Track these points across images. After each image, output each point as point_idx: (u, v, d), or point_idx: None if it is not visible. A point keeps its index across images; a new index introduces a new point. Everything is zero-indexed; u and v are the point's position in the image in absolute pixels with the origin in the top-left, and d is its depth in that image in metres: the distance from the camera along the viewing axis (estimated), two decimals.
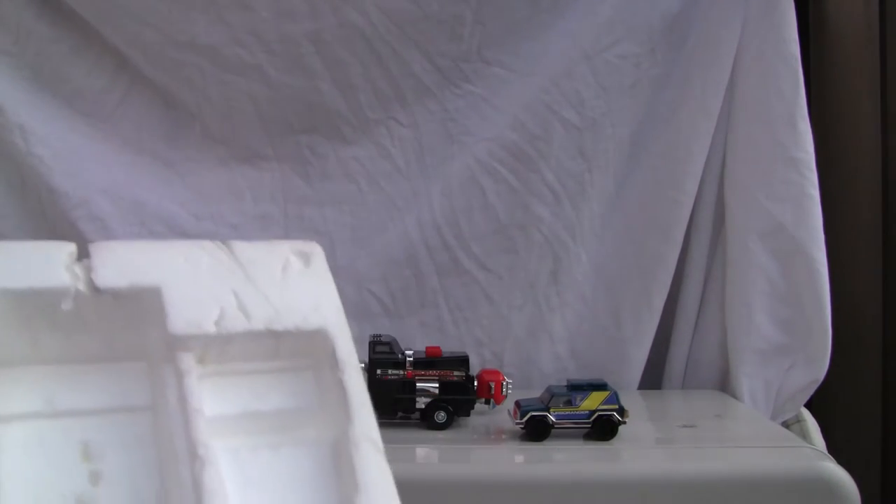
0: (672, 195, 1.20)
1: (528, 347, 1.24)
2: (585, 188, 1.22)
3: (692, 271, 1.23)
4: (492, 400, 0.99)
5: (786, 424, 1.16)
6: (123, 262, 0.44)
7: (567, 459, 0.90)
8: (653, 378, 1.26)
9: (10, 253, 0.43)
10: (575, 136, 1.21)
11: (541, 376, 1.22)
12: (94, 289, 0.43)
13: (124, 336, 0.44)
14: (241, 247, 0.48)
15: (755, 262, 1.16)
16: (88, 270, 0.43)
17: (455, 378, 0.98)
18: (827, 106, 1.33)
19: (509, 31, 1.22)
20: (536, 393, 0.97)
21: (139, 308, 0.44)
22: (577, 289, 1.24)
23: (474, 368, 1.03)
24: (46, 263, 0.43)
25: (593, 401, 0.92)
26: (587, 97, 1.20)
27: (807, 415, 1.17)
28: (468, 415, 1.00)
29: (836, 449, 0.96)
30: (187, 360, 0.43)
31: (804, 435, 1.12)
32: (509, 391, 1.00)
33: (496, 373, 1.01)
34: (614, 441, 0.92)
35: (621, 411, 0.92)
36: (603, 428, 0.92)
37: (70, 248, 0.44)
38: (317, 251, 0.50)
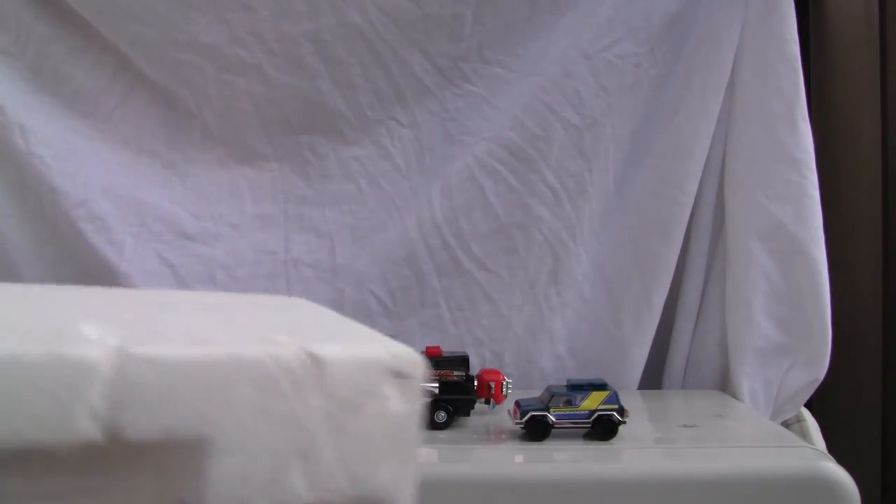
0: (672, 195, 1.20)
1: (528, 347, 1.24)
2: (585, 188, 1.22)
3: (692, 271, 1.23)
4: (492, 400, 0.99)
5: (786, 424, 1.16)
6: (163, 390, 0.30)
7: (567, 459, 0.90)
8: (653, 378, 1.26)
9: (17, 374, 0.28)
10: (575, 136, 1.21)
11: (541, 376, 1.22)
12: (115, 439, 0.29)
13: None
14: (334, 365, 0.34)
15: (755, 262, 1.16)
16: (116, 408, 0.29)
17: (455, 378, 0.98)
18: (827, 106, 1.33)
19: (509, 31, 1.22)
20: (536, 393, 0.97)
21: (163, 464, 0.31)
22: (577, 289, 1.24)
23: (474, 368, 1.03)
24: (58, 401, 0.29)
25: (593, 401, 0.92)
26: (587, 97, 1.20)
27: (807, 415, 1.17)
28: (468, 415, 1.00)
29: (836, 449, 0.96)
30: None
31: (804, 435, 1.12)
32: (509, 391, 1.00)
33: (496, 373, 1.01)
34: (614, 441, 0.92)
35: (621, 411, 0.92)
36: (603, 428, 0.92)
37: (89, 357, 0.29)
38: (417, 371, 0.37)
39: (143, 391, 0.29)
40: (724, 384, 1.21)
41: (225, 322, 0.39)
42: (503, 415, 0.98)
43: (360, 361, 0.35)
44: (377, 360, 0.35)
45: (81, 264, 1.23)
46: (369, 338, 0.37)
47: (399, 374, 0.36)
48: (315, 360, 0.33)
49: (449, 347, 1.10)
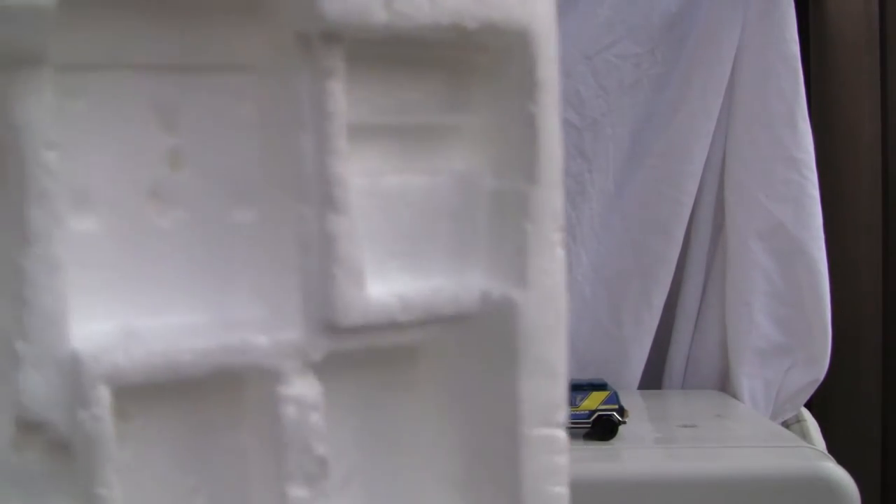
0: (672, 195, 1.20)
1: None
2: (585, 188, 1.22)
3: (692, 271, 1.23)
4: None
5: (786, 424, 1.16)
6: None
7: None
8: (653, 378, 1.25)
9: None
10: (575, 136, 1.21)
11: None
12: None
13: (236, 25, 0.31)
14: None
15: (755, 261, 1.16)
16: None
17: None
18: (827, 106, 1.33)
19: None
20: None
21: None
22: (577, 289, 1.24)
23: None
24: None
25: (593, 401, 0.92)
26: (587, 97, 1.20)
27: (807, 415, 1.17)
28: None
29: (836, 449, 0.96)
30: (336, 58, 0.30)
31: (804, 435, 1.12)
32: None
33: None
34: (614, 441, 0.92)
35: (621, 411, 0.92)
36: (603, 428, 0.92)
37: None
38: None
39: None
40: (724, 384, 1.21)
41: None
42: None
43: None
44: None
45: None
46: None
47: None
48: None
49: None
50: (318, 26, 0.30)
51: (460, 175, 0.35)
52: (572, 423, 0.93)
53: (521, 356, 0.33)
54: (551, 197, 0.34)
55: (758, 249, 1.16)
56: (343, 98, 0.30)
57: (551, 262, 0.34)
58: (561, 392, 0.34)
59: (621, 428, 0.92)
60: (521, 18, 0.33)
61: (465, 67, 0.34)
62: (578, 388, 0.93)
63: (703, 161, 1.19)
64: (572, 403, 0.92)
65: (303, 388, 0.31)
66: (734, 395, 1.17)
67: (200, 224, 0.31)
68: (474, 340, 0.34)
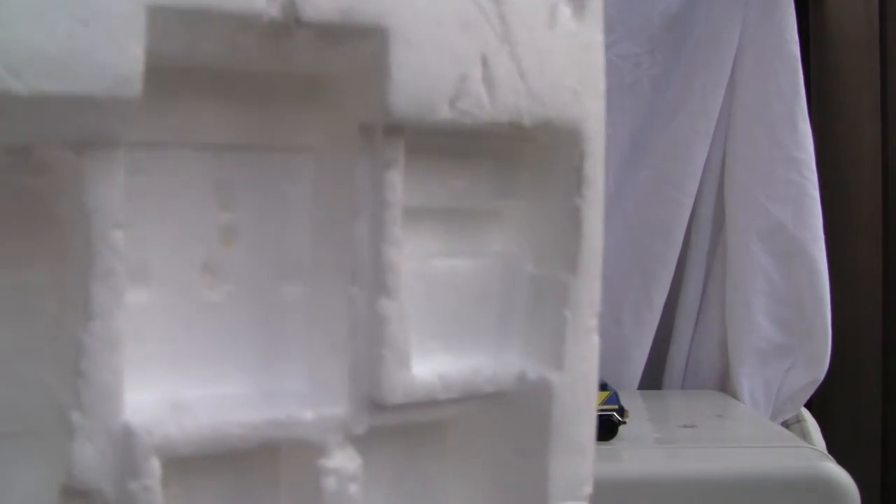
0: (672, 195, 1.20)
1: None
2: None
3: (692, 271, 1.23)
4: None
5: (786, 424, 1.16)
6: None
7: None
8: (653, 378, 1.25)
9: None
10: None
11: None
12: (296, 19, 0.29)
13: (299, 108, 0.32)
14: None
15: (755, 262, 1.16)
16: None
17: None
18: (827, 106, 1.33)
19: None
20: None
21: (343, 56, 0.31)
22: None
23: None
24: None
25: None
26: None
27: (807, 415, 1.17)
28: None
29: (836, 449, 0.96)
30: (397, 150, 0.31)
31: (804, 435, 1.12)
32: None
33: None
34: (614, 441, 0.92)
35: (621, 411, 0.92)
36: (603, 428, 0.92)
37: None
38: None
39: None
40: (724, 384, 1.21)
41: None
42: None
43: None
44: None
45: None
46: None
47: None
48: None
49: None
50: (383, 119, 0.30)
51: (503, 259, 0.36)
52: None
53: (553, 434, 0.35)
54: (590, 287, 0.36)
55: (758, 249, 1.16)
56: (401, 188, 0.31)
57: (587, 347, 0.36)
58: (588, 468, 0.36)
59: (621, 428, 0.92)
60: (574, 117, 0.34)
61: (514, 156, 0.36)
62: None
63: (703, 161, 1.19)
64: None
65: (343, 461, 0.32)
66: (734, 395, 1.17)
67: (250, 298, 0.32)
68: (509, 417, 0.36)
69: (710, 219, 1.22)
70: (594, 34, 0.36)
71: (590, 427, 0.36)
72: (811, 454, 0.89)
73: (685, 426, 1.00)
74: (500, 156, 0.35)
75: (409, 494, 0.36)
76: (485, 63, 0.32)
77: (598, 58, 0.36)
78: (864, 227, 1.32)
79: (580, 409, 0.36)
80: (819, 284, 1.14)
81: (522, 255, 0.36)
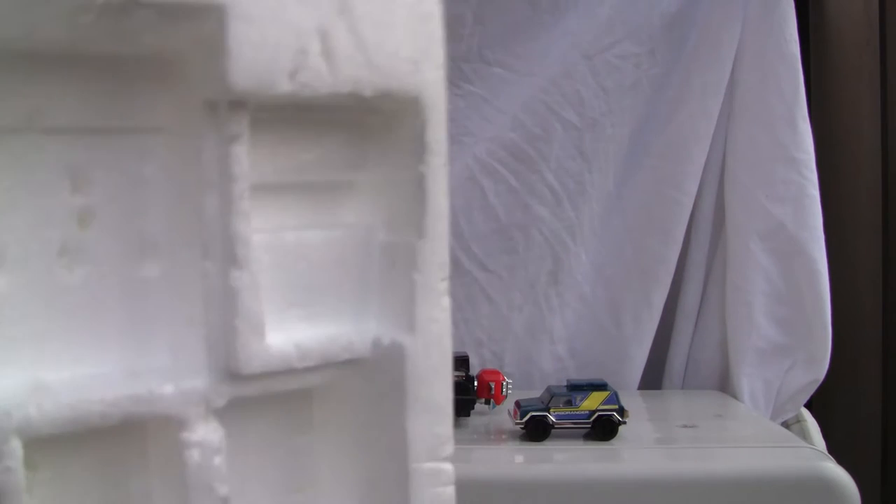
0: (672, 195, 1.20)
1: (528, 347, 1.24)
2: (585, 188, 1.22)
3: (692, 271, 1.23)
4: (492, 400, 0.99)
5: (786, 424, 1.16)
6: None
7: (567, 459, 0.90)
8: (653, 378, 1.25)
9: None
10: (575, 136, 1.21)
11: (541, 376, 1.22)
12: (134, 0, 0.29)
13: (144, 89, 0.33)
14: None
15: (755, 262, 1.16)
16: None
17: (455, 378, 0.98)
18: (827, 106, 1.33)
19: (509, 31, 1.22)
20: (536, 393, 0.97)
21: (183, 34, 0.31)
22: (577, 289, 1.24)
23: (474, 368, 1.03)
24: None
25: (593, 401, 0.92)
26: (587, 97, 1.20)
27: (807, 415, 1.17)
28: (468, 415, 0.99)
29: (836, 449, 0.96)
30: (241, 124, 0.32)
31: (804, 435, 1.12)
32: (509, 391, 1.00)
33: (496, 373, 1.01)
34: (614, 441, 0.92)
35: (621, 411, 0.92)
36: (603, 428, 0.92)
37: None
38: None
39: None
40: (724, 384, 1.21)
41: None
42: (503, 415, 0.98)
43: None
44: None
45: None
46: None
47: None
48: None
49: None
50: (226, 95, 0.31)
51: (355, 229, 0.37)
52: (572, 423, 0.94)
53: (410, 397, 0.36)
54: (438, 249, 0.37)
55: (758, 249, 1.16)
56: (247, 161, 0.32)
57: (438, 309, 0.37)
58: (447, 428, 0.37)
59: (621, 428, 0.92)
60: (413, 86, 0.36)
61: (361, 129, 0.37)
62: (578, 388, 0.93)
63: (703, 161, 1.19)
64: (572, 403, 0.92)
65: (206, 433, 0.33)
66: (734, 395, 1.17)
67: (108, 279, 0.33)
68: (368, 383, 0.37)
69: (710, 219, 1.22)
70: (432, 4, 0.37)
71: (446, 387, 0.37)
72: (811, 454, 0.89)
73: (685, 426, 1.00)
74: (348, 128, 0.37)
75: (278, 464, 0.37)
76: (324, 36, 0.33)
77: (437, 27, 0.37)
78: (864, 228, 1.32)
79: (435, 370, 0.37)
80: (819, 284, 1.14)
81: (374, 223, 0.38)
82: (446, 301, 0.37)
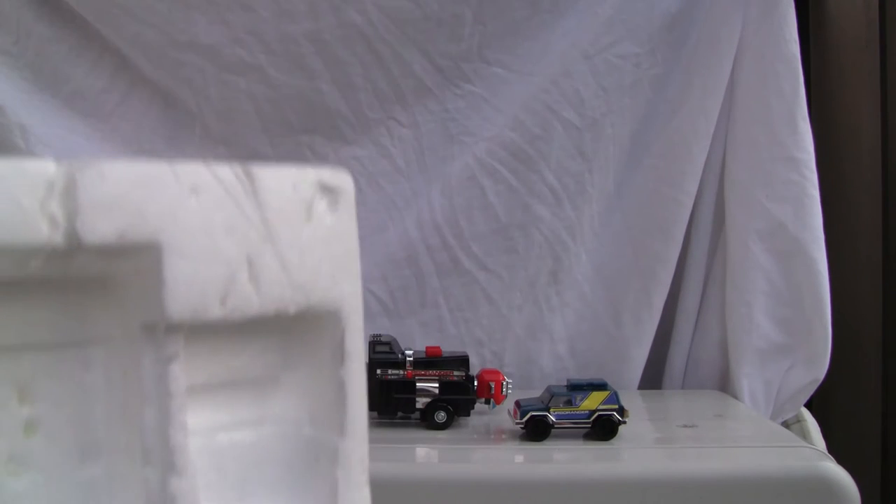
0: (672, 195, 1.20)
1: (528, 347, 1.24)
2: (585, 188, 1.22)
3: (692, 271, 1.23)
4: (492, 400, 0.99)
5: (786, 424, 1.16)
6: (115, 199, 0.33)
7: (567, 459, 0.90)
8: (653, 378, 1.26)
9: None
10: (575, 136, 1.21)
11: (541, 376, 1.22)
12: (77, 244, 0.32)
13: (88, 306, 0.36)
14: (264, 178, 0.37)
15: (755, 262, 1.16)
16: (72, 214, 0.32)
17: (455, 378, 0.98)
18: (827, 106, 1.33)
19: (509, 31, 1.22)
20: (536, 393, 0.97)
21: (124, 267, 0.35)
22: (577, 289, 1.24)
23: (474, 368, 1.03)
24: (15, 201, 0.31)
25: (593, 401, 0.92)
26: (587, 97, 1.20)
27: (807, 415, 1.17)
28: (468, 415, 1.00)
29: (836, 449, 0.96)
30: (177, 345, 0.35)
31: (804, 435, 1.12)
32: (509, 391, 1.00)
33: (496, 373, 1.01)
34: (614, 441, 0.92)
35: (621, 411, 0.92)
36: (603, 428, 0.92)
37: (47, 170, 0.32)
38: (347, 186, 0.40)
39: (95, 197, 0.32)
40: (724, 384, 1.21)
41: None
42: (503, 415, 0.98)
43: (290, 175, 0.38)
44: (305, 175, 0.39)
45: None
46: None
47: (328, 188, 0.39)
48: (248, 174, 0.37)
49: (449, 347, 1.10)
50: (163, 320, 0.34)
51: (283, 424, 0.40)
52: (572, 422, 0.94)
53: None
54: (358, 447, 0.40)
55: (758, 249, 1.16)
56: (183, 378, 0.35)
57: (360, 499, 0.40)
58: None
59: (621, 428, 0.92)
60: (332, 300, 0.39)
61: (286, 335, 0.40)
62: (578, 388, 0.93)
63: (702, 161, 1.19)
64: (572, 403, 0.92)
65: None
66: (734, 395, 1.17)
67: (53, 484, 0.35)
68: None
69: (710, 219, 1.22)
70: (348, 223, 0.40)
71: None
72: (811, 454, 0.90)
73: (685, 426, 1.00)
74: (275, 335, 0.40)
75: None
76: (250, 263, 0.36)
77: (353, 243, 0.40)
78: (864, 227, 1.32)
79: None
80: (819, 284, 1.14)
81: (300, 417, 0.40)
82: (366, 492, 0.40)
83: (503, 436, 0.96)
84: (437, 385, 0.98)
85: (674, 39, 1.20)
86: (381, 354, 0.99)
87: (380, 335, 1.03)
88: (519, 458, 0.91)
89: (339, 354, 0.39)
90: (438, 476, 0.86)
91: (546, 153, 1.21)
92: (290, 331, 0.39)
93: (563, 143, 1.21)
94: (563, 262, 1.23)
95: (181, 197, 0.35)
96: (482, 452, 0.94)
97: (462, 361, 1.00)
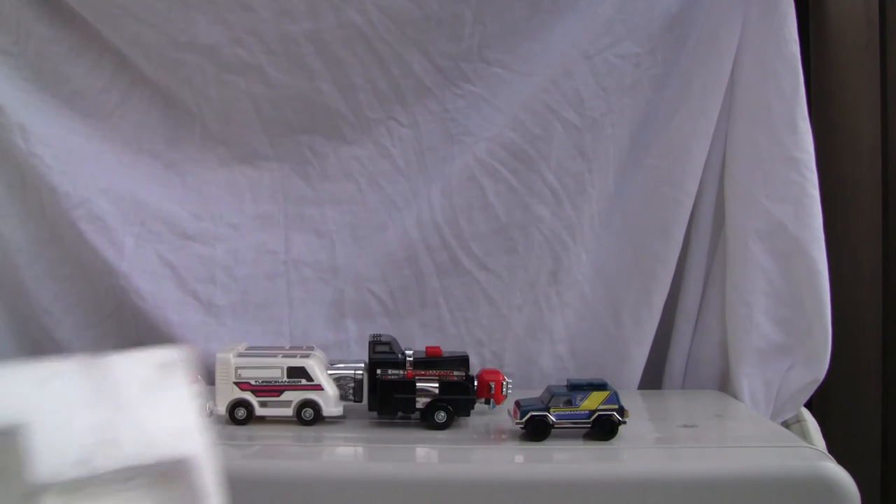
0: (672, 195, 1.20)
1: (528, 347, 1.24)
2: (585, 188, 1.22)
3: (692, 271, 1.23)
4: (492, 400, 0.99)
5: (786, 424, 1.16)
6: None
7: (567, 459, 0.90)
8: (653, 378, 1.26)
9: None
10: (575, 136, 1.21)
11: (541, 376, 1.22)
12: None
13: None
14: (113, 363, 0.46)
15: (755, 262, 1.16)
16: None
17: (455, 378, 0.98)
18: (827, 106, 1.33)
19: (509, 31, 1.22)
20: (536, 393, 0.97)
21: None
22: (577, 289, 1.24)
23: (474, 368, 1.03)
24: None
25: (593, 401, 0.92)
26: (587, 97, 1.20)
27: (807, 415, 1.17)
28: (468, 415, 1.00)
29: (836, 449, 0.96)
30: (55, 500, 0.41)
31: (804, 435, 1.12)
32: (509, 391, 1.00)
33: (496, 373, 1.01)
34: (614, 441, 0.92)
35: (621, 411, 0.92)
36: (603, 428, 0.92)
37: None
38: (175, 360, 0.48)
39: None
40: (724, 384, 1.21)
41: None
42: (503, 415, 0.98)
43: (136, 359, 0.47)
44: (145, 356, 0.47)
45: (81, 265, 1.23)
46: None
47: (159, 366, 0.47)
48: (101, 363, 0.46)
49: (449, 347, 1.10)
50: (37, 480, 0.41)
51: None
52: (572, 422, 0.94)
53: None
54: None
55: (758, 249, 1.16)
56: None
57: None
58: None
59: (621, 428, 0.92)
60: (183, 448, 0.46)
61: (151, 486, 0.46)
62: (578, 388, 0.93)
63: (702, 161, 1.19)
64: (572, 403, 0.92)
65: None
66: (734, 395, 1.17)
67: None
68: None
69: (710, 219, 1.22)
70: (179, 389, 0.48)
71: None
72: (811, 454, 0.90)
73: (685, 426, 1.00)
74: (142, 486, 0.46)
75: None
76: (110, 428, 0.44)
77: (189, 406, 0.48)
78: (864, 227, 1.32)
79: None
80: (819, 284, 1.14)
81: None
82: None
83: (503, 436, 0.96)
84: (437, 385, 0.98)
85: (674, 39, 1.20)
86: (381, 354, 0.99)
87: (380, 335, 1.03)
88: (519, 458, 0.91)
89: (203, 495, 0.46)
90: (438, 476, 0.86)
91: (546, 153, 1.21)
92: (153, 483, 0.46)
93: (563, 143, 1.21)
94: (563, 262, 1.23)
95: (40, 388, 0.43)
96: (482, 452, 0.94)
97: (462, 361, 1.00)
